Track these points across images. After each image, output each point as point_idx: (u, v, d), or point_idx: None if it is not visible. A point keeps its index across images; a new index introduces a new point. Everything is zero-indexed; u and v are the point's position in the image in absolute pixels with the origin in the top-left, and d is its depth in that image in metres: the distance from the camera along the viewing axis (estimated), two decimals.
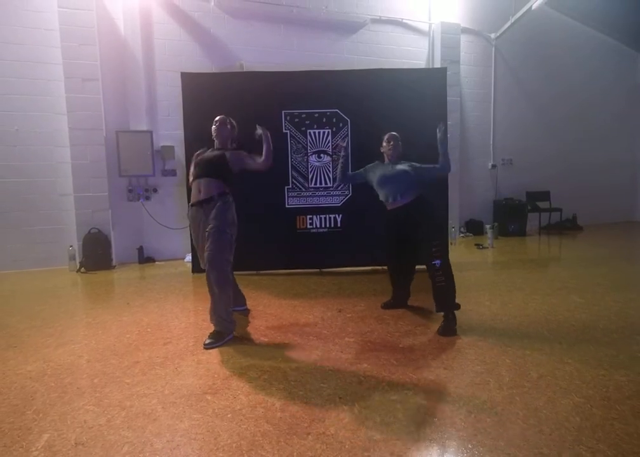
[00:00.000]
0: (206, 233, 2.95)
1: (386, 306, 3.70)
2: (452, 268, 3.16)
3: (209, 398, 2.17)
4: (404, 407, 2.06)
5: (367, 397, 2.15)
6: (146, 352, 2.79)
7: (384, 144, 3.55)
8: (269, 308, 3.73)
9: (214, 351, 2.79)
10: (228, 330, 3.01)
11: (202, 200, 3.03)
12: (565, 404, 2.03)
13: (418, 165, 3.46)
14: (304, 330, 3.15)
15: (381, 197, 3.48)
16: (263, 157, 3.12)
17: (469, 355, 2.64)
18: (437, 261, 3.09)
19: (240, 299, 3.55)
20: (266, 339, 2.98)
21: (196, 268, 5.03)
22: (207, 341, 2.92)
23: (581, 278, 4.65)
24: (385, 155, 3.59)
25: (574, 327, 3.12)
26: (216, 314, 3.00)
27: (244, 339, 3.00)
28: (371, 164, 3.67)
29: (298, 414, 2.01)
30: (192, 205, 3.11)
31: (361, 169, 3.70)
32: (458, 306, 3.14)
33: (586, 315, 3.38)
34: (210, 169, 3.08)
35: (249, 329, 3.22)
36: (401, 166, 3.44)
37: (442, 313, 3.13)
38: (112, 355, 2.75)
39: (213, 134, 3.28)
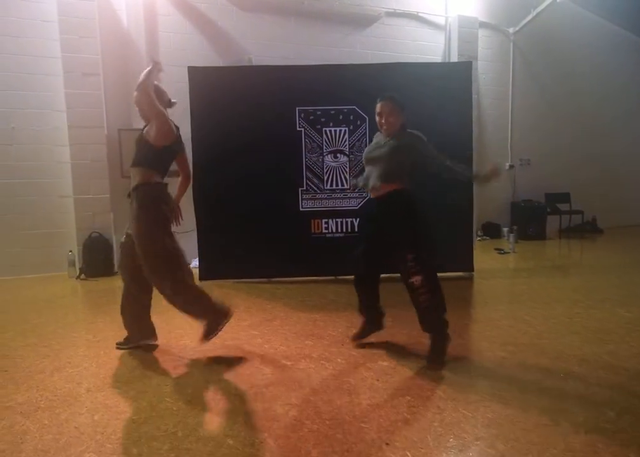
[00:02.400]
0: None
1: (357, 337, 2.88)
2: (440, 281, 2.53)
3: (230, 442, 1.83)
4: (465, 456, 1.72)
5: (419, 442, 1.80)
6: (154, 379, 2.45)
7: (376, 117, 2.72)
8: (287, 323, 3.39)
9: (230, 378, 2.44)
10: (133, 338, 2.88)
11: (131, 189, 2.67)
12: None
13: (422, 145, 2.60)
14: (330, 350, 2.80)
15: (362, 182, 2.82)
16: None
17: (527, 384, 2.29)
18: (416, 278, 2.45)
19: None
20: (289, 363, 2.63)
21: (204, 274, 4.69)
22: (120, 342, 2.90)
23: (620, 287, 4.29)
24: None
25: (634, 348, 2.77)
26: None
27: (265, 362, 2.66)
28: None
29: None
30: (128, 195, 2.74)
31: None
32: (446, 324, 2.54)
33: None
34: (135, 156, 2.67)
35: (269, 348, 2.87)
36: (394, 142, 2.62)
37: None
38: (115, 383, 2.41)
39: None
